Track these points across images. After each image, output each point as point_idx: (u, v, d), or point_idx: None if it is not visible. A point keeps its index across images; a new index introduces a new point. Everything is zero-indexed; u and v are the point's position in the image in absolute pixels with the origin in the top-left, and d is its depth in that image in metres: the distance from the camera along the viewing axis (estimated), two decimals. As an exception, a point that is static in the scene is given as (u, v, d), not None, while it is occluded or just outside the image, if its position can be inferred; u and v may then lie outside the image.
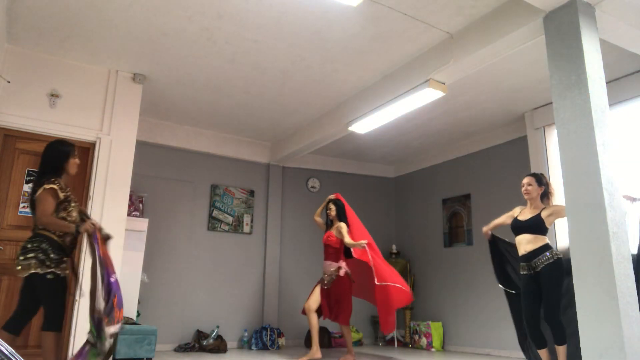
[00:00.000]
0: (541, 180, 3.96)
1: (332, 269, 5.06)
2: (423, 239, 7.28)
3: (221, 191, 6.73)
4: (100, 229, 3.05)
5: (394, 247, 7.51)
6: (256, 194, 6.99)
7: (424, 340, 6.58)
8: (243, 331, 6.35)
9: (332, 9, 3.82)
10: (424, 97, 4.66)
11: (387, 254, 7.57)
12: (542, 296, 3.67)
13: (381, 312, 5.01)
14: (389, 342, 7.05)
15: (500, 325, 5.82)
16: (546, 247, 3.72)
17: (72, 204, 3.15)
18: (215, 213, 6.62)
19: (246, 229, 6.80)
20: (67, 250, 3.12)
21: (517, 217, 3.96)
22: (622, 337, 2.71)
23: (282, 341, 6.38)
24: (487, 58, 4.07)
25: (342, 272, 5.00)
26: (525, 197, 3.93)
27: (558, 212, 3.77)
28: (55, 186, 3.04)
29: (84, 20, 4.09)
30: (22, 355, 1.42)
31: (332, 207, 5.31)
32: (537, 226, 3.76)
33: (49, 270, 2.96)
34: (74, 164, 3.24)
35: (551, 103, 3.43)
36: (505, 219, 4.15)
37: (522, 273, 3.83)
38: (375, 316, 7.20)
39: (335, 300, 5.00)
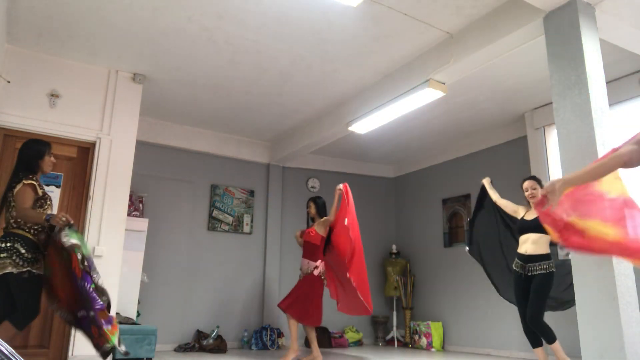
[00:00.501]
0: (541, 183, 4.04)
1: (307, 267, 4.99)
2: (423, 239, 7.27)
3: (221, 191, 6.73)
4: (70, 223, 2.98)
5: (394, 247, 7.51)
6: (256, 194, 6.99)
7: (424, 340, 6.58)
8: (243, 331, 6.35)
9: (332, 9, 3.82)
10: (424, 97, 4.66)
11: (387, 254, 7.57)
12: (529, 299, 3.79)
13: (362, 292, 4.89)
14: (389, 342, 7.05)
15: (500, 325, 5.82)
16: (547, 257, 3.81)
17: (48, 202, 3.19)
18: (215, 213, 6.62)
19: (246, 229, 6.80)
20: (42, 249, 3.10)
21: (523, 217, 4.01)
22: (622, 337, 2.71)
23: (282, 341, 6.39)
24: (487, 58, 4.08)
25: (316, 272, 4.94)
26: (531, 200, 3.95)
27: None
28: (34, 182, 3.08)
29: (84, 20, 4.09)
30: (22, 355, 1.41)
31: (312, 204, 5.31)
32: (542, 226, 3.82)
33: (25, 270, 2.95)
34: (48, 162, 3.27)
35: (551, 103, 3.43)
36: (507, 203, 4.28)
37: (514, 269, 3.95)
38: (375, 316, 7.20)
39: (303, 298, 4.91)
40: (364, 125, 5.51)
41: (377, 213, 7.78)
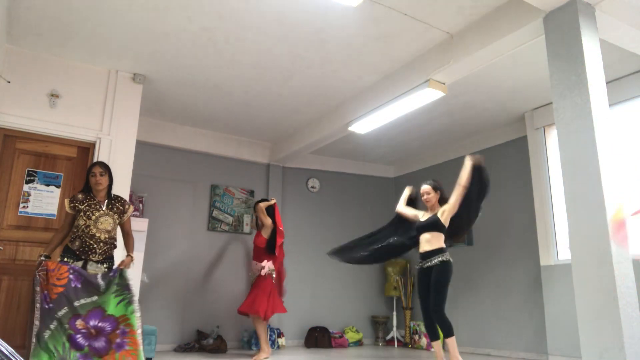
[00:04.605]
0: (437, 188, 4.38)
1: (256, 268, 5.43)
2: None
3: (221, 191, 6.73)
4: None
5: (394, 247, 7.50)
6: (256, 194, 6.98)
7: (423, 341, 6.58)
8: (243, 331, 6.35)
9: (332, 9, 3.82)
10: (424, 97, 4.66)
11: (387, 254, 7.57)
12: (430, 292, 4.10)
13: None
14: (389, 342, 7.05)
15: (500, 325, 5.82)
16: (440, 250, 4.12)
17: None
18: (215, 213, 6.62)
19: (246, 229, 6.80)
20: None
21: (419, 219, 4.37)
22: (622, 337, 2.71)
23: (282, 341, 6.39)
24: (487, 58, 4.08)
25: (263, 272, 5.29)
26: (427, 204, 4.37)
27: (449, 209, 4.18)
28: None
29: (84, 20, 4.09)
30: (21, 355, 1.41)
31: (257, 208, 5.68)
32: (434, 224, 4.19)
33: None
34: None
35: (551, 103, 3.44)
36: (408, 211, 4.60)
37: (416, 267, 4.31)
38: (375, 316, 7.20)
39: (255, 294, 5.28)
40: (364, 125, 5.51)
41: (377, 213, 7.76)
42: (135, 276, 5.20)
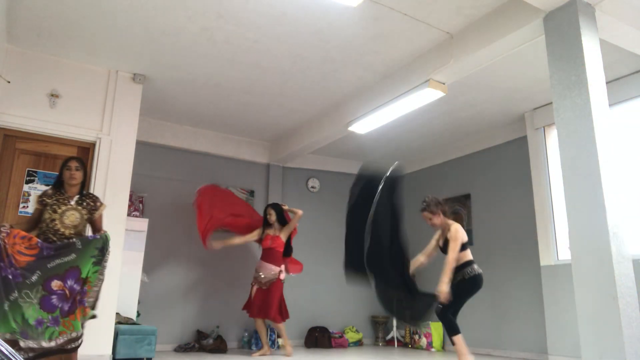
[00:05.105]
0: (431, 210, 4.10)
1: (272, 272, 5.46)
2: (423, 239, 7.25)
3: (221, 191, 6.72)
4: None
5: (394, 247, 7.50)
6: (256, 194, 6.99)
7: (423, 340, 6.58)
8: (243, 331, 6.35)
9: (332, 9, 3.82)
10: (424, 97, 4.66)
11: (387, 254, 7.57)
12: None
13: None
14: (389, 342, 7.05)
15: (500, 325, 5.82)
16: (467, 264, 3.99)
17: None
18: (215, 213, 6.61)
19: (246, 229, 6.80)
20: None
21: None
22: (622, 337, 2.71)
23: (282, 341, 6.38)
24: (487, 58, 4.08)
25: (282, 276, 5.46)
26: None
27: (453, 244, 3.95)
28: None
29: (84, 20, 4.09)
30: (21, 355, 1.42)
31: (272, 212, 5.69)
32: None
33: None
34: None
35: (551, 103, 3.44)
36: (426, 252, 4.34)
37: None
38: (375, 316, 7.20)
39: (270, 299, 5.36)
40: (364, 125, 5.51)
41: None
42: (135, 276, 5.23)
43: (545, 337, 5.17)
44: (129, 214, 5.15)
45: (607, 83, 3.26)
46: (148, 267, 5.58)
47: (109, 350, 4.33)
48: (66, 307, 3.11)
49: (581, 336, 2.93)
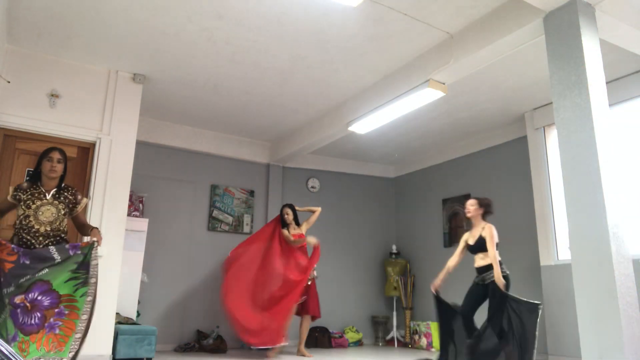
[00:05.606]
0: (481, 203, 4.45)
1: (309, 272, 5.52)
2: (423, 239, 7.27)
3: (221, 191, 6.73)
4: None
5: (394, 247, 7.51)
6: (256, 194, 6.99)
7: (424, 341, 6.58)
8: (243, 331, 6.35)
9: (332, 9, 3.82)
10: (424, 97, 4.66)
11: (387, 254, 7.58)
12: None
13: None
14: (389, 342, 7.05)
15: (500, 325, 5.81)
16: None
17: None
18: (215, 213, 6.61)
19: (246, 229, 6.80)
20: None
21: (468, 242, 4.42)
22: (622, 337, 2.71)
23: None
24: (487, 58, 4.08)
25: (315, 272, 5.56)
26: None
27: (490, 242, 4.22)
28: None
29: (84, 20, 4.09)
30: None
31: (289, 211, 5.72)
32: (481, 247, 4.28)
33: None
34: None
35: (551, 103, 3.44)
36: (457, 251, 4.57)
37: (475, 280, 4.39)
38: (375, 316, 7.20)
39: (312, 295, 5.53)
40: (364, 125, 5.51)
41: (377, 213, 7.78)
42: (135, 276, 5.23)
43: (545, 337, 5.16)
44: (129, 214, 5.15)
45: (607, 83, 3.26)
46: (148, 267, 5.58)
47: (109, 350, 4.33)
48: (28, 322, 2.85)
49: (581, 336, 2.92)
